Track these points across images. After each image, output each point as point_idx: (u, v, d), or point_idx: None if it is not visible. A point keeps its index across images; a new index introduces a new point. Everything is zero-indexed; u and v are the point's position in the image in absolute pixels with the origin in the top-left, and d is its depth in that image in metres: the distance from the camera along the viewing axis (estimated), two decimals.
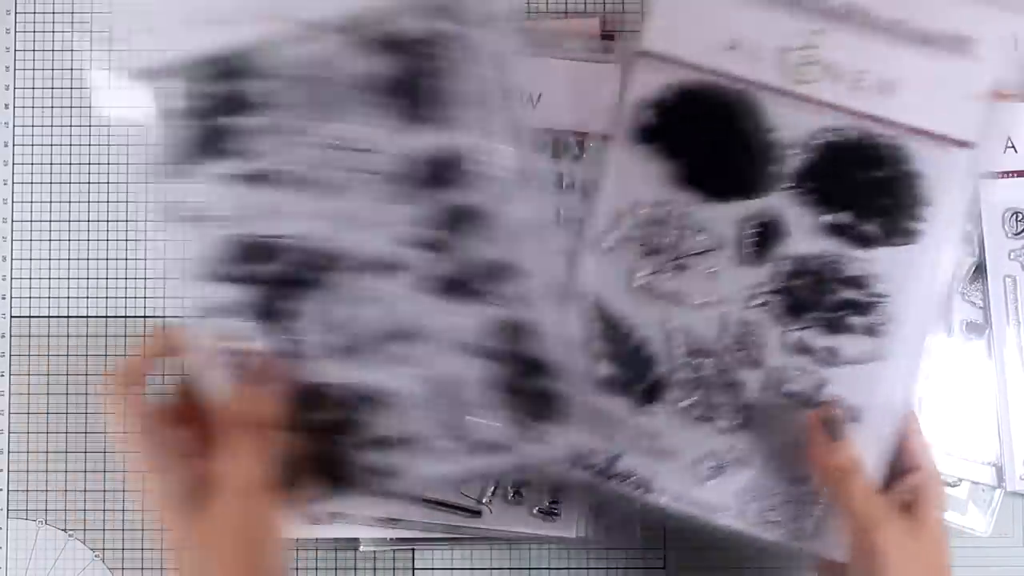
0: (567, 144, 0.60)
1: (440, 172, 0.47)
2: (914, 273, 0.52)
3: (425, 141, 0.47)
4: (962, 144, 0.52)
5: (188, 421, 0.48)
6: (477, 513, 0.59)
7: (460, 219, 0.48)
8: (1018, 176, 0.62)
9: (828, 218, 0.52)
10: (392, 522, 0.58)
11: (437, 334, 0.48)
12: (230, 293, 0.48)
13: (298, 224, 0.48)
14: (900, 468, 0.52)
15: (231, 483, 0.46)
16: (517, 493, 0.58)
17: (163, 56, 0.47)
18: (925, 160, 0.52)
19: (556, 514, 0.58)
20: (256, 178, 0.47)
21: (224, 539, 0.45)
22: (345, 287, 0.48)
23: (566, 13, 0.63)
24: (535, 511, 0.58)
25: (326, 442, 0.49)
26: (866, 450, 0.51)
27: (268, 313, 0.48)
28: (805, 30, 0.52)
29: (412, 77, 0.47)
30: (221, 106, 0.47)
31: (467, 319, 0.48)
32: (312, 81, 0.47)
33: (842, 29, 0.52)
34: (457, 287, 0.48)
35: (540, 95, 0.58)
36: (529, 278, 0.48)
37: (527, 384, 0.49)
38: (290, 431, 0.48)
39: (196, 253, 0.48)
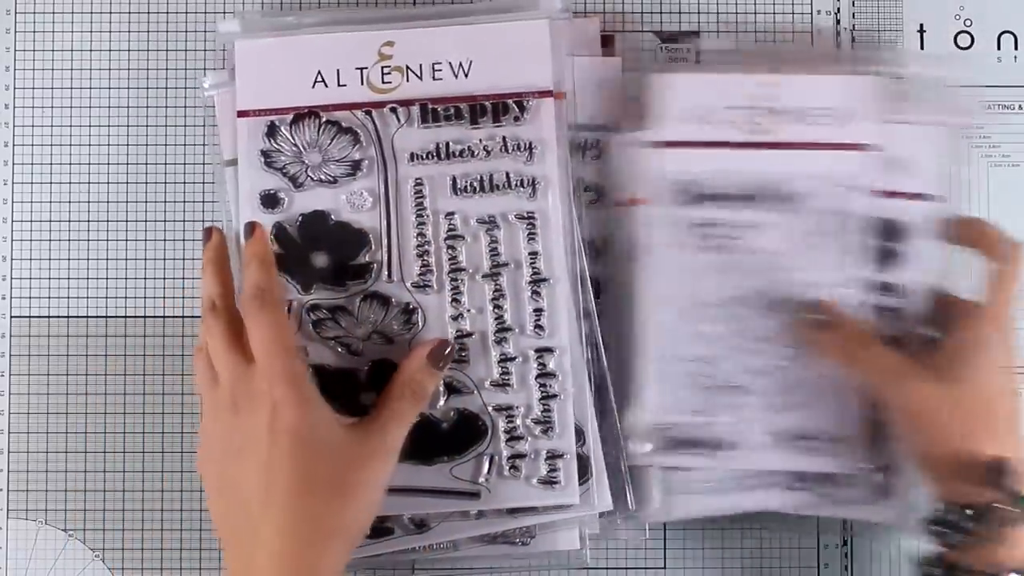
0: (588, 143, 0.60)
1: None
2: None
3: None
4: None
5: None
6: (475, 495, 0.57)
7: None
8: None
9: None
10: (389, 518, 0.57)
11: None
12: None
13: None
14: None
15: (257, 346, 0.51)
16: (514, 467, 0.57)
17: None
18: None
19: (556, 482, 0.57)
20: None
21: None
22: None
23: None
24: (535, 481, 0.57)
25: None
26: None
27: None
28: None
29: None
30: None
31: None
32: None
33: None
34: None
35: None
36: None
37: None
38: None
39: None
